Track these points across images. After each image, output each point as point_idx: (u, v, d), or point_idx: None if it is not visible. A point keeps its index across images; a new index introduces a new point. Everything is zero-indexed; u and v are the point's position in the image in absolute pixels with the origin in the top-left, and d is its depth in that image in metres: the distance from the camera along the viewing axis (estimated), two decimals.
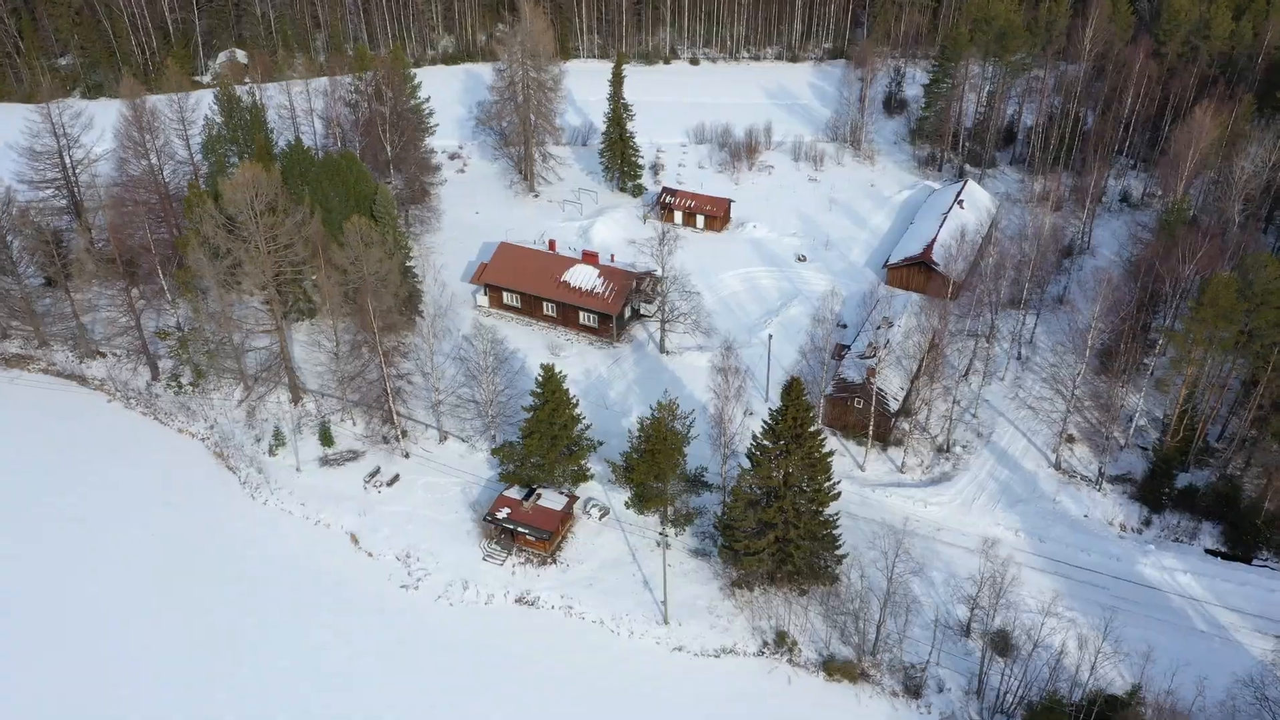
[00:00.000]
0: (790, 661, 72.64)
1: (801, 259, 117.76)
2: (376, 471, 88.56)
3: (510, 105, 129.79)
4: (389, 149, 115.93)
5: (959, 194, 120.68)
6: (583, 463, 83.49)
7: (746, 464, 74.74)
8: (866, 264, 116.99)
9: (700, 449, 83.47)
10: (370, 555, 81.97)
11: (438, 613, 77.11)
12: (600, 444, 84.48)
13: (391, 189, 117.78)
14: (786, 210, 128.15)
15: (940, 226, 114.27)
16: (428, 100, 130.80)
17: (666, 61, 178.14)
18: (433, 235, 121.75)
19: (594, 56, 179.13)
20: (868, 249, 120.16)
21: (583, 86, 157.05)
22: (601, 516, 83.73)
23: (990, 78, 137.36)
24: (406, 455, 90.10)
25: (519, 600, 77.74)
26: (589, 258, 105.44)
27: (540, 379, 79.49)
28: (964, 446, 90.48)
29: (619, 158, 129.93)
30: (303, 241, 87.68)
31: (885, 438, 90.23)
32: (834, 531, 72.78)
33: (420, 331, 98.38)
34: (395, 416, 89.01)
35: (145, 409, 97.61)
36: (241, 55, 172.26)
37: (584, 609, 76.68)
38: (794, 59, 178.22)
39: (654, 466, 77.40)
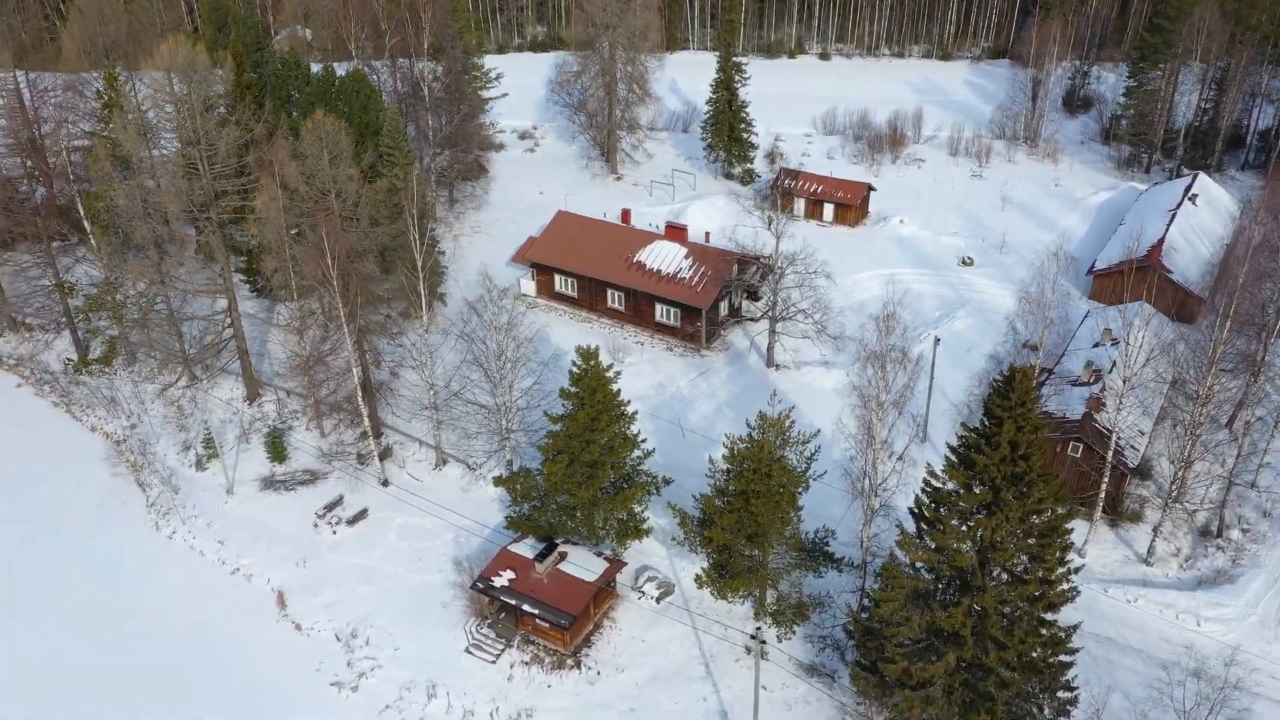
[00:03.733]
0: None
1: (967, 262, 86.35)
2: (337, 502, 60.07)
3: (593, 60, 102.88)
4: (431, 125, 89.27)
5: (1189, 189, 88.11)
6: (637, 508, 53.26)
7: (907, 525, 43.65)
8: (1059, 272, 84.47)
9: (823, 501, 52.55)
10: (298, 628, 52.91)
11: None
12: (668, 482, 54.19)
13: (431, 162, 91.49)
14: (942, 207, 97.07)
15: (1168, 225, 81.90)
16: (502, 95, 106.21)
17: (791, 56, 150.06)
18: (478, 213, 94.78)
19: (704, 49, 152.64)
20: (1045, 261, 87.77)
21: (688, 78, 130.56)
22: (661, 597, 53.02)
23: (1221, 61, 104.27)
24: (385, 483, 61.40)
25: None
26: (674, 233, 76.28)
27: (575, 370, 50.11)
28: (1245, 530, 56.97)
29: (725, 133, 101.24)
30: (257, 165, 60.80)
31: (1117, 507, 57.43)
32: (1066, 659, 40.35)
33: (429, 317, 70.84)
34: (372, 425, 60.49)
35: (59, 398, 71.61)
36: (307, 33, 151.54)
37: None
38: (945, 57, 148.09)
39: (748, 520, 46.58)
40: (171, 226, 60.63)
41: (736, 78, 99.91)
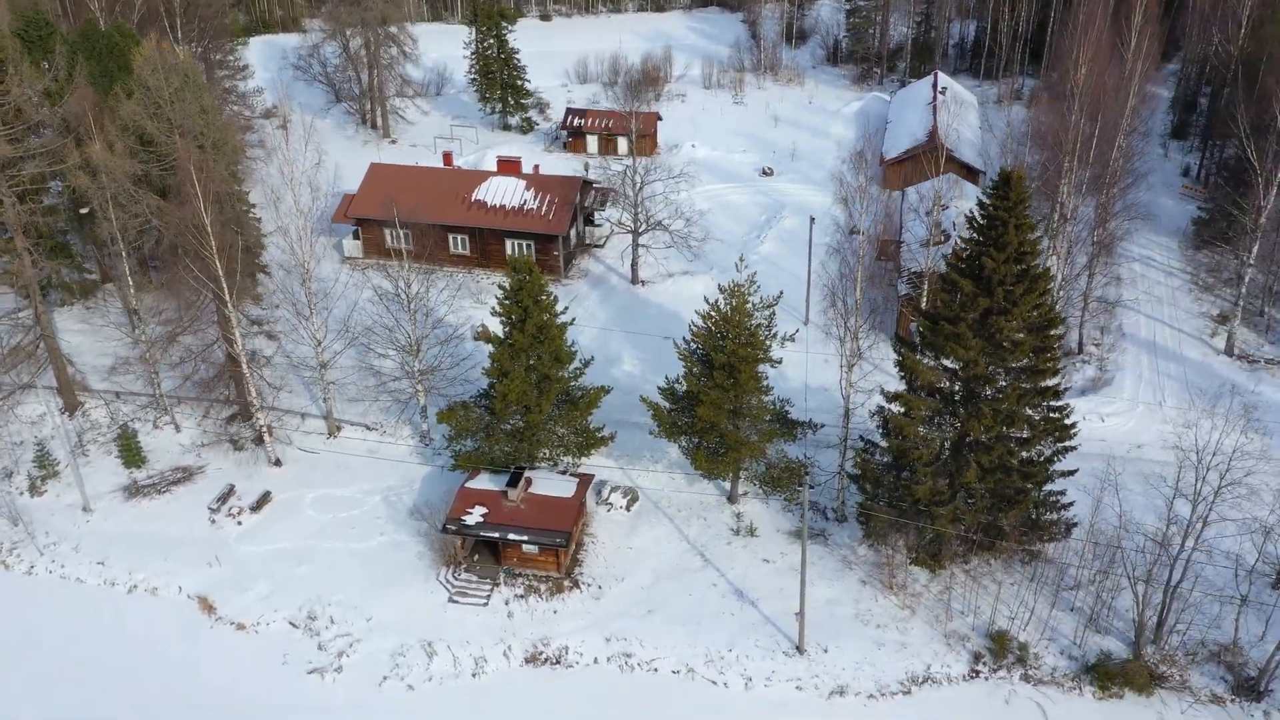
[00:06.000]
0: (1027, 678, 42.34)
1: (768, 172, 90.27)
2: (229, 492, 52.40)
3: (350, 19, 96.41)
4: None
5: (935, 85, 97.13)
6: (589, 420, 50.77)
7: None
8: (867, 160, 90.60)
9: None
10: (241, 628, 45.72)
11: (392, 706, 42.04)
12: (608, 390, 51.99)
13: None
14: (721, 131, 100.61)
15: (933, 115, 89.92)
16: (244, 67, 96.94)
17: (511, 21, 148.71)
18: (255, 196, 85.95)
19: (423, 19, 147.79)
20: (841, 159, 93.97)
21: (419, 48, 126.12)
22: (630, 504, 51.12)
23: None
24: (277, 463, 54.38)
25: (534, 658, 43.79)
26: (508, 167, 73.39)
27: (512, 280, 46.87)
28: (1096, 344, 64.13)
29: (498, 84, 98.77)
30: (59, 123, 51.32)
31: None
32: (1072, 443, 43.40)
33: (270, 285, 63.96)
34: (254, 399, 53.22)
35: None
36: None
37: (652, 653, 43.73)
38: (659, 9, 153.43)
39: (733, 392, 45.93)
40: None
41: (505, 25, 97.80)
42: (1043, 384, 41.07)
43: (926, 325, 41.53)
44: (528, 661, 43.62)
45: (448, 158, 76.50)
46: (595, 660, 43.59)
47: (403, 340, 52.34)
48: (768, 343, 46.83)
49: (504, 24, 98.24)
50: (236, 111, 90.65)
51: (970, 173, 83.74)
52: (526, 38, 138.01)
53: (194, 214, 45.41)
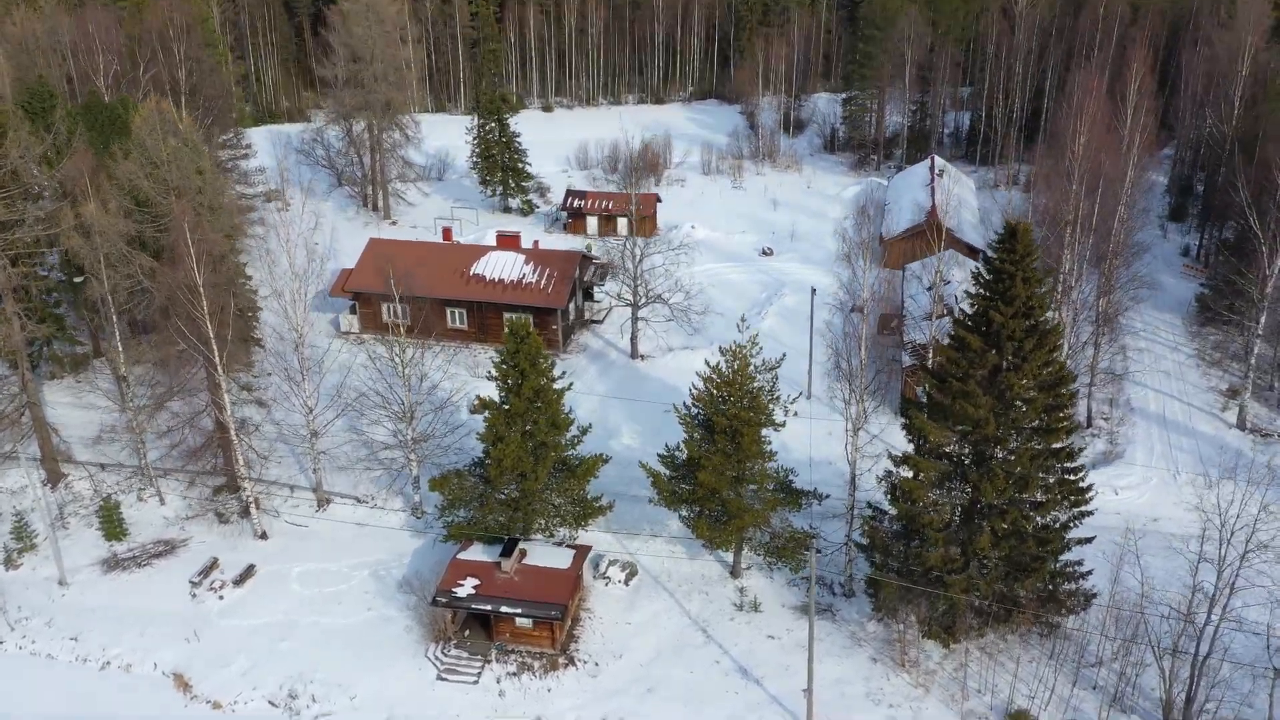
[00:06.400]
0: None
1: (768, 252, 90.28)
2: (212, 566, 50.42)
3: (344, 124, 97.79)
4: None
5: (933, 168, 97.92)
6: (587, 489, 49.07)
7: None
8: (869, 228, 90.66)
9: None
10: (218, 706, 43.29)
11: None
12: (607, 460, 50.38)
13: None
14: (722, 214, 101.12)
15: (931, 195, 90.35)
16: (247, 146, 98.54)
17: (515, 111, 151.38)
18: (253, 270, 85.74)
19: (427, 110, 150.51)
20: (845, 215, 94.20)
21: (420, 135, 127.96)
22: (629, 578, 49.05)
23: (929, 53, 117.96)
24: (264, 536, 52.51)
25: None
26: (507, 241, 73.14)
27: (510, 344, 45.83)
28: (1105, 418, 62.76)
29: (499, 166, 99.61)
30: (56, 189, 51.04)
31: None
32: (1088, 508, 41.67)
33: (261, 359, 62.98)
34: (241, 469, 51.65)
35: None
36: None
37: None
38: (659, 101, 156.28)
39: (734, 457, 44.38)
40: None
41: (504, 107, 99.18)
42: (1055, 445, 39.60)
43: (934, 385, 40.30)
44: None
45: (447, 233, 76.47)
46: None
47: (396, 407, 51.01)
48: (770, 406, 45.53)
49: (505, 108, 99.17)
50: (239, 192, 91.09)
51: (971, 251, 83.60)
52: (528, 127, 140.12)
53: (186, 273, 44.62)
